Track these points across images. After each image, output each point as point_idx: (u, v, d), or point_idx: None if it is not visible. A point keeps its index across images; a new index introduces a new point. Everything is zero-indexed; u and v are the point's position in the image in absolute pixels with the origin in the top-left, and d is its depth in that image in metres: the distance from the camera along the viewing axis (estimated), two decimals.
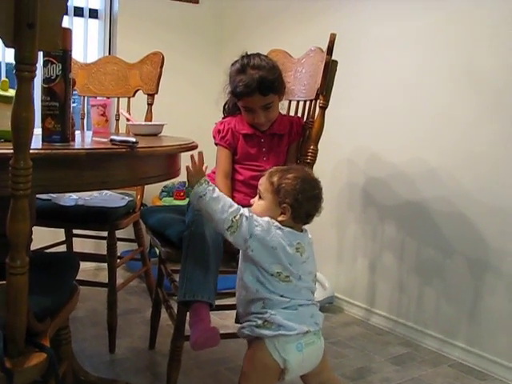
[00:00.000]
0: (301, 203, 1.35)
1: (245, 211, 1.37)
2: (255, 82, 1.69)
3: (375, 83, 2.45)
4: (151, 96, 2.37)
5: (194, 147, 1.50)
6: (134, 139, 1.21)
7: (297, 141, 1.87)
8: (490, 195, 2.03)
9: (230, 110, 1.89)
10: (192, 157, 1.42)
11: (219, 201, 1.36)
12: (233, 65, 1.79)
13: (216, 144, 1.85)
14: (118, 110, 2.40)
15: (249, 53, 1.79)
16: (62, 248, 2.49)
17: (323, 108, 1.69)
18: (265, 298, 1.35)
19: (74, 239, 2.57)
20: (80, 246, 2.66)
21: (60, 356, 1.30)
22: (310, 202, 1.37)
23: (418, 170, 2.28)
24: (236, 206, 1.38)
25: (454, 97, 2.14)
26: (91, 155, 1.17)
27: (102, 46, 3.16)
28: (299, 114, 1.93)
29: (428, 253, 2.26)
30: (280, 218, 1.37)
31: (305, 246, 1.38)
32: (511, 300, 1.98)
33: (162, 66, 2.34)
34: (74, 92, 2.36)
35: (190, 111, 3.26)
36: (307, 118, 1.85)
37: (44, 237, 2.17)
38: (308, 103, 1.85)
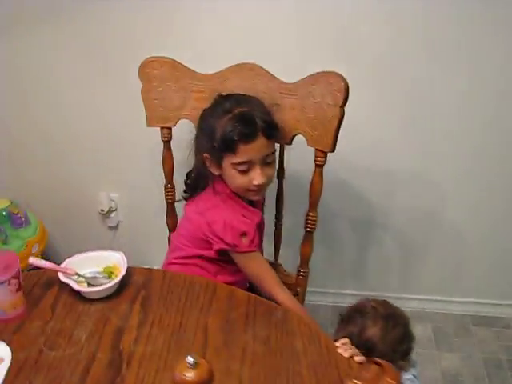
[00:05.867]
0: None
1: None
2: (257, 119, 1.18)
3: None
4: None
5: None
6: None
7: None
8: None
9: (193, 184, 1.35)
10: None
11: None
12: (212, 111, 1.25)
13: (245, 252, 1.30)
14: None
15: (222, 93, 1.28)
16: None
17: (321, 166, 1.34)
18: None
19: None
20: None
21: None
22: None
23: None
24: None
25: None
26: None
27: None
28: None
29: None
30: None
31: None
32: (398, 248, 2.16)
33: None
34: None
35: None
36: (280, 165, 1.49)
37: None
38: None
